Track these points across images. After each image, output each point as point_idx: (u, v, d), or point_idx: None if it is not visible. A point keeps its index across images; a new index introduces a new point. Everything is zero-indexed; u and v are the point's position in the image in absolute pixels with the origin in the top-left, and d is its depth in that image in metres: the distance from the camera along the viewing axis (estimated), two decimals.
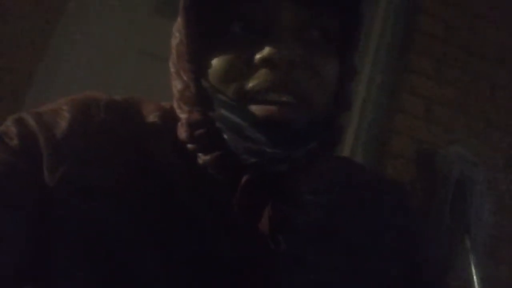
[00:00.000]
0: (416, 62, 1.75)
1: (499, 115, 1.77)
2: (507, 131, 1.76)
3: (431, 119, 1.70)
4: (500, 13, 1.86)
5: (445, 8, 1.80)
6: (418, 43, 1.76)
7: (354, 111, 1.71)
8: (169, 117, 0.53)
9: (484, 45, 1.82)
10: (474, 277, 1.39)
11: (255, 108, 0.46)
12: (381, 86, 1.75)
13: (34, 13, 1.43)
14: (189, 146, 0.50)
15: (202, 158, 0.49)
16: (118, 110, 0.53)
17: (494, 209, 1.59)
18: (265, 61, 0.45)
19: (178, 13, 0.51)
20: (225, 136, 0.47)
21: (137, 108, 0.55)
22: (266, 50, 0.45)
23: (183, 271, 0.46)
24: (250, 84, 0.46)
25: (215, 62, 0.48)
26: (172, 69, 0.52)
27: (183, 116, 0.50)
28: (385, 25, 1.81)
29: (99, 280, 0.45)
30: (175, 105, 0.52)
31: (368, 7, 0.51)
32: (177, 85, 0.51)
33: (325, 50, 0.50)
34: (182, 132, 0.50)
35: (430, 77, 1.74)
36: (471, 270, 1.41)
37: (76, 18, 1.54)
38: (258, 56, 0.45)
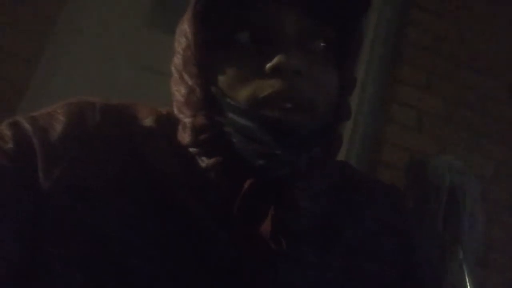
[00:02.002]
0: (407, 74, 1.77)
1: (488, 125, 1.79)
2: (496, 141, 1.78)
3: (422, 129, 1.72)
4: (488, 24, 1.89)
5: (435, 20, 1.83)
6: (408, 55, 1.78)
7: (347, 122, 1.72)
8: (165, 121, 0.54)
9: (473, 57, 1.84)
10: (468, 286, 1.40)
11: (264, 112, 0.47)
12: (373, 97, 1.77)
13: (27, 24, 1.44)
14: (192, 150, 0.50)
15: (205, 161, 0.49)
16: (113, 114, 0.53)
17: (485, 218, 1.60)
18: (275, 70, 0.46)
19: (173, 24, 0.53)
20: (234, 140, 0.48)
21: (132, 112, 0.55)
22: (276, 59, 0.46)
23: (183, 273, 0.46)
24: (261, 94, 0.47)
25: (224, 68, 0.49)
26: (175, 74, 0.53)
27: (187, 120, 0.50)
28: (376, 37, 1.83)
29: (97, 282, 0.45)
30: (175, 109, 0.52)
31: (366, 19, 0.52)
32: (181, 90, 0.52)
33: (326, 60, 0.51)
34: (185, 136, 0.50)
35: (420, 88, 1.76)
36: (464, 279, 1.41)
37: (69, 30, 1.55)
38: (268, 65, 0.47)
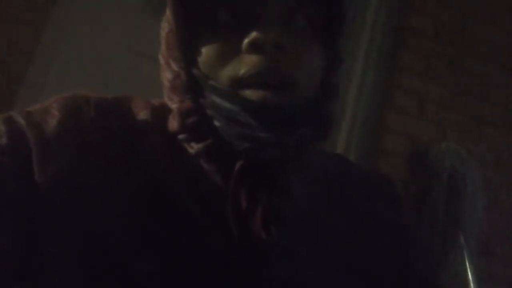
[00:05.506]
0: (407, 61, 1.76)
1: (490, 112, 1.79)
2: (498, 128, 1.77)
3: (423, 116, 1.71)
4: (489, 10, 1.87)
5: (435, 7, 1.82)
6: (409, 41, 1.77)
7: (347, 109, 1.71)
8: (159, 114, 0.53)
9: (474, 43, 1.83)
10: (469, 272, 1.40)
11: (246, 94, 0.46)
12: (373, 84, 1.76)
13: (23, 15, 1.43)
14: (181, 136, 0.49)
15: (194, 147, 0.49)
16: (108, 108, 0.53)
17: (486, 205, 1.60)
18: (252, 46, 0.46)
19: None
20: (217, 123, 0.48)
21: (127, 106, 0.54)
22: (253, 35, 0.46)
23: (177, 263, 0.46)
24: (240, 71, 0.47)
25: (205, 50, 0.49)
26: (162, 61, 0.53)
27: (174, 106, 0.50)
28: (376, 24, 1.82)
29: (92, 279, 0.44)
30: (165, 97, 0.52)
31: None
32: (167, 76, 0.51)
33: (310, 38, 0.50)
34: (173, 123, 0.50)
35: (421, 75, 1.75)
36: (465, 265, 1.42)
37: (65, 19, 1.54)
38: (245, 41, 0.46)
